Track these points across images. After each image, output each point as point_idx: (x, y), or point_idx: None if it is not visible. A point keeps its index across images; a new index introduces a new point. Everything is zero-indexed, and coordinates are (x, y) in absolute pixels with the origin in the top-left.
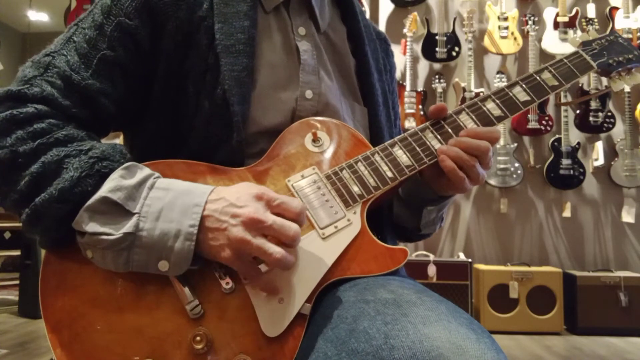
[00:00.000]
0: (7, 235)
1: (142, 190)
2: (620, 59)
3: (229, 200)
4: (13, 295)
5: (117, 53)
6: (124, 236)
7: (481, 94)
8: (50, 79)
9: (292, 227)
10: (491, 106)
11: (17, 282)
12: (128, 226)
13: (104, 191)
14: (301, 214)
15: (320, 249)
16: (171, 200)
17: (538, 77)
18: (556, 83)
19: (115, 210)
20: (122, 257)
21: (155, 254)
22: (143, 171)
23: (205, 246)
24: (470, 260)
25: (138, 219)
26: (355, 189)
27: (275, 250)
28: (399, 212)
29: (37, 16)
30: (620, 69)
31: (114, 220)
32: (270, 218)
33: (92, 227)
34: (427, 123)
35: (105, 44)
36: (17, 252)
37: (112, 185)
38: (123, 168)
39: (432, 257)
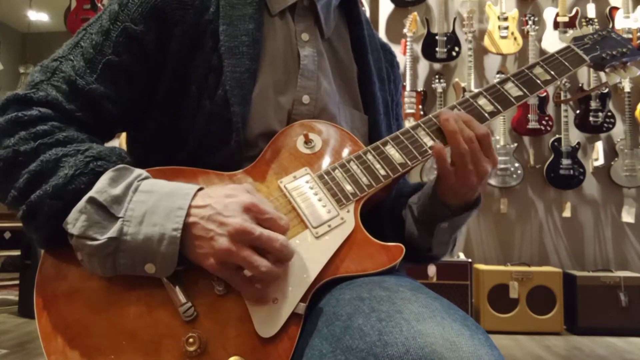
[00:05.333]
0: (7, 235)
1: (127, 194)
2: (614, 52)
3: (216, 208)
4: (13, 295)
5: (122, 58)
6: (108, 241)
7: None
8: (56, 83)
9: (279, 238)
10: (483, 102)
11: (17, 282)
12: (112, 231)
13: (92, 192)
14: (287, 231)
15: (314, 248)
16: (154, 204)
17: (530, 72)
18: (548, 77)
19: (102, 213)
20: (108, 262)
21: (141, 258)
22: (132, 173)
23: (191, 251)
24: (470, 260)
25: (122, 223)
26: (348, 187)
27: (262, 263)
28: (411, 231)
29: (37, 16)
30: (614, 63)
31: (99, 223)
32: (257, 229)
33: (78, 229)
34: (419, 121)
35: (111, 49)
36: (17, 252)
37: (100, 187)
38: (114, 170)
39: None
